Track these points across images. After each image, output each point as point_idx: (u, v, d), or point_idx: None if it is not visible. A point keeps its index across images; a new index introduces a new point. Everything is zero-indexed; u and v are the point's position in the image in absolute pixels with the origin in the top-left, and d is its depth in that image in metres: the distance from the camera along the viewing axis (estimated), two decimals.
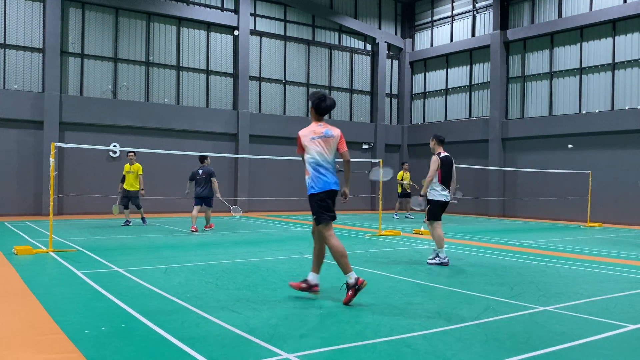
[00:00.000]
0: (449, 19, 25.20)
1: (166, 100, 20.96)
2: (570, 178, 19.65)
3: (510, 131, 22.36)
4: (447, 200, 8.69)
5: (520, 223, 18.90)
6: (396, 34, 26.80)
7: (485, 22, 23.72)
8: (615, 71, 19.55)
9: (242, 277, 6.99)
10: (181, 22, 21.29)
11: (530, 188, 21.54)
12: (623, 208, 18.75)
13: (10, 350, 4.06)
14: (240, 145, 21.73)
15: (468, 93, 24.55)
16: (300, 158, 6.06)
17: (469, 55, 24.44)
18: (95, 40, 19.69)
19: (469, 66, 24.53)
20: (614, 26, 19.63)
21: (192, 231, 13.15)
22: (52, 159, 9.31)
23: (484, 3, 23.74)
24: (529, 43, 22.31)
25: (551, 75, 21.51)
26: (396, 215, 20.07)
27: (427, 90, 26.41)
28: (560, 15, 21.14)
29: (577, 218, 19.36)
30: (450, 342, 4.38)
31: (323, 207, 5.80)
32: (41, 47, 18.70)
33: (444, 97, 25.61)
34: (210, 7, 21.76)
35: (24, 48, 18.48)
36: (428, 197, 8.77)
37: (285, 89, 23.75)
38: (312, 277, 5.98)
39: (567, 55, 21.06)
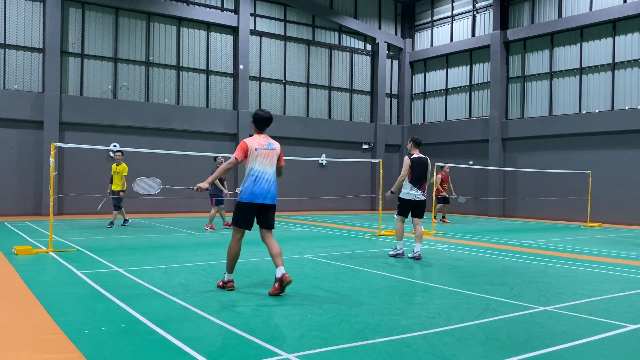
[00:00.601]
0: (449, 19, 25.20)
1: (166, 100, 20.96)
2: (570, 178, 19.65)
3: (510, 131, 22.36)
4: (415, 199, 9.32)
5: (520, 223, 18.89)
6: (396, 34, 26.80)
7: (485, 22, 23.72)
8: (615, 71, 19.55)
9: (242, 277, 6.99)
10: (181, 22, 21.30)
11: (530, 188, 21.54)
12: (623, 208, 18.75)
13: (10, 350, 4.06)
14: None
15: (468, 93, 24.55)
16: (231, 160, 6.13)
17: (469, 55, 24.44)
18: (95, 40, 19.70)
19: (469, 66, 24.53)
20: (614, 26, 19.62)
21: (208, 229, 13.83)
22: (52, 159, 9.31)
23: (484, 3, 23.74)
24: (529, 43, 22.30)
25: (551, 75, 21.50)
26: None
27: (427, 90, 26.40)
28: (560, 15, 21.14)
29: (577, 218, 19.36)
30: (450, 342, 4.38)
31: (241, 216, 6.14)
32: (41, 47, 18.70)
33: (444, 97, 25.61)
34: (210, 7, 21.76)
35: (24, 48, 18.49)
36: (399, 195, 9.57)
37: (285, 89, 23.75)
38: (277, 271, 5.99)
39: (567, 55, 21.06)
